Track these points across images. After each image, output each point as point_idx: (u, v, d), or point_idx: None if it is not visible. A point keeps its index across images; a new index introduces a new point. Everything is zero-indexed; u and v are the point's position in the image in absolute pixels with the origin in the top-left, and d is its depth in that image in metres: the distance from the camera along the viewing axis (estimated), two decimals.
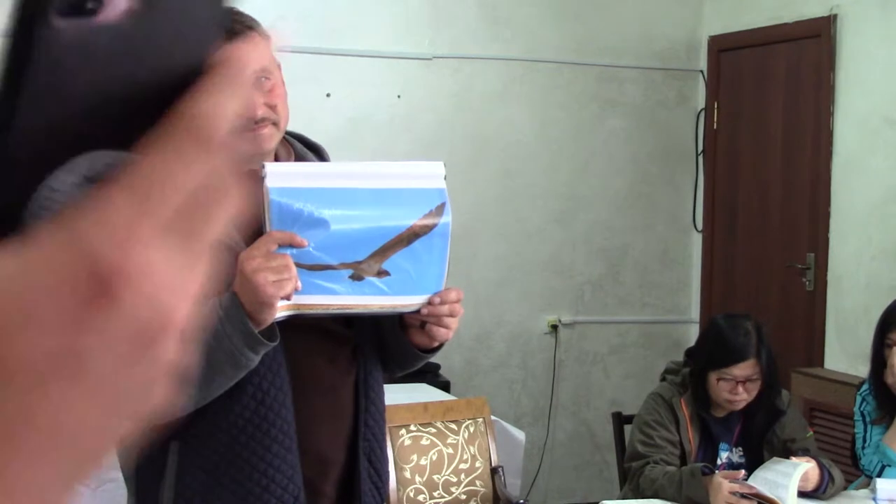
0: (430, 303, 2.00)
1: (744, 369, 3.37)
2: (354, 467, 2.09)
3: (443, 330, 2.03)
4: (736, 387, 3.37)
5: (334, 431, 2.06)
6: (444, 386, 5.48)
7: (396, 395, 4.29)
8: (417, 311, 2.01)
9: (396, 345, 2.11)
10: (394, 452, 3.48)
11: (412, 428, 3.53)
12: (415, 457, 3.52)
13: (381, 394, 2.17)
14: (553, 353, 6.20)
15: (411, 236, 1.96)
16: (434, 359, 5.66)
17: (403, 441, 3.51)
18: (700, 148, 6.34)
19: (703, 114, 6.32)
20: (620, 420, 3.86)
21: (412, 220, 1.96)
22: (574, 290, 6.23)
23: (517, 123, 6.03)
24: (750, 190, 6.05)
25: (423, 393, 4.64)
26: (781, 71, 5.82)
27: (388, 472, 2.19)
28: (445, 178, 2.02)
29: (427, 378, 5.44)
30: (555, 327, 6.18)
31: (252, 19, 2.09)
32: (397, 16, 5.80)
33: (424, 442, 3.55)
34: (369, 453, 2.11)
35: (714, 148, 6.26)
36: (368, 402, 2.11)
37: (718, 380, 3.39)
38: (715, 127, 6.24)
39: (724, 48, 6.20)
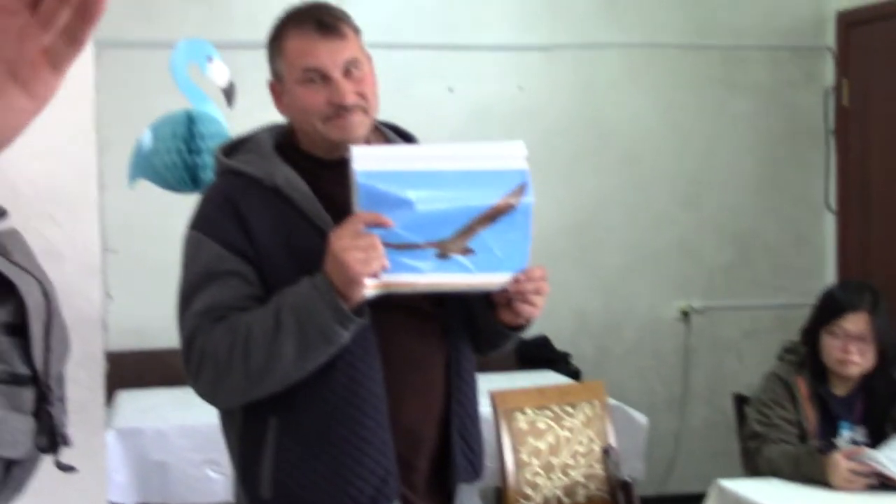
0: (515, 280, 2.04)
1: (855, 323, 3.32)
2: (447, 443, 2.15)
3: (529, 307, 2.07)
4: (847, 344, 3.33)
5: (425, 407, 2.13)
6: (575, 374, 5.50)
7: (523, 382, 4.35)
8: (504, 290, 2.06)
9: (485, 323, 2.16)
10: (510, 436, 3.53)
11: (528, 412, 3.57)
12: (531, 440, 3.56)
13: (472, 371, 2.22)
14: (685, 339, 6.15)
15: (495, 215, 2.01)
16: (563, 347, 5.72)
17: (520, 425, 3.55)
18: (830, 127, 6.21)
19: (832, 92, 6.19)
20: (741, 402, 3.83)
21: (495, 199, 2.01)
22: (704, 275, 6.17)
23: (640, 109, 6.00)
24: (884, 169, 5.89)
25: (551, 381, 4.67)
26: None
27: (482, 448, 2.24)
28: (527, 159, 2.06)
29: (558, 366, 5.47)
30: (686, 313, 6.13)
31: (342, 12, 2.18)
32: (516, 7, 5.84)
33: (541, 425, 3.58)
34: (462, 430, 2.16)
35: (845, 127, 6.12)
36: (460, 380, 2.17)
37: (829, 337, 3.35)
38: (845, 105, 6.10)
39: (854, 23, 6.05)
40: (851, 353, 3.34)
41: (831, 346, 3.36)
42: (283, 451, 2.05)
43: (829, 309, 3.40)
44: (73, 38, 0.71)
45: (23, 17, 0.66)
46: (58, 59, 0.71)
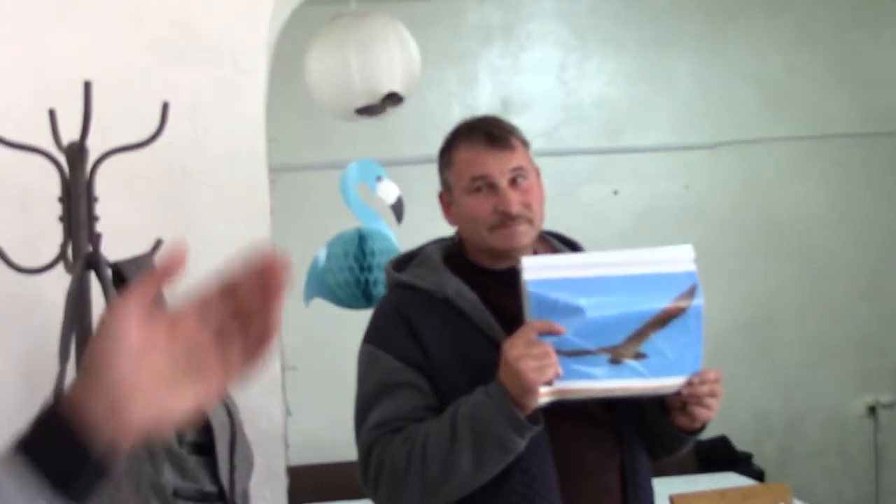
0: (689, 383, 2.02)
1: None
2: None
3: (704, 410, 2.04)
4: None
5: None
6: (758, 475, 5.35)
7: (704, 484, 4.24)
8: (677, 393, 2.03)
9: (660, 427, 2.13)
10: None
11: None
12: None
13: (648, 477, 2.19)
14: (874, 436, 5.92)
15: (666, 318, 2.00)
16: (744, 447, 5.57)
17: None
18: None
19: None
20: None
21: (665, 302, 2.00)
22: (891, 368, 5.95)
23: (811, 201, 5.90)
24: None
25: (733, 483, 4.55)
26: None
27: None
28: (696, 260, 2.05)
29: (739, 468, 5.33)
30: (873, 409, 5.91)
31: (511, 125, 2.24)
32: (678, 108, 5.85)
33: None
34: None
35: None
36: (636, 486, 2.14)
37: None
38: None
39: None
40: None
41: None
42: None
43: None
44: (247, 360, 0.94)
45: (196, 333, 0.93)
46: (228, 359, 0.94)
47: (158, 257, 0.85)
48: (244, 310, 0.93)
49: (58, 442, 0.88)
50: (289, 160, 4.98)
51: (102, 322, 0.91)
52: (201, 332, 0.92)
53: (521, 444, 1.96)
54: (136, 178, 2.54)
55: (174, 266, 0.93)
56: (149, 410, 0.89)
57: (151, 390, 0.89)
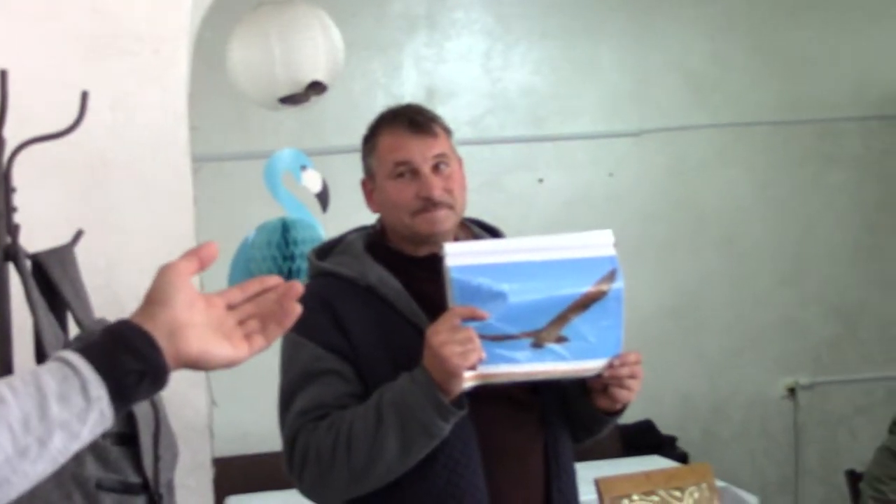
0: (610, 366, 2.05)
1: None
2: None
3: (625, 392, 2.08)
4: None
5: (526, 498, 2.13)
6: (682, 458, 5.42)
7: (629, 468, 4.29)
8: (599, 375, 2.07)
9: (581, 409, 2.16)
10: None
11: (634, 497, 3.52)
12: None
13: (571, 459, 2.22)
14: (793, 417, 6.03)
15: (587, 302, 2.03)
16: (669, 430, 5.63)
17: None
18: None
19: None
20: (854, 478, 3.74)
21: (586, 287, 2.03)
22: (810, 350, 6.06)
23: (735, 188, 5.97)
24: None
25: (657, 466, 4.61)
26: None
27: None
28: (615, 246, 2.08)
29: (664, 451, 5.40)
30: (792, 391, 6.02)
31: (434, 113, 2.26)
32: (603, 96, 5.89)
33: None
34: None
35: None
36: (559, 468, 2.17)
37: None
38: None
39: None
40: None
41: None
42: None
43: None
44: (265, 332, 1.25)
45: (224, 311, 1.21)
46: (251, 338, 1.23)
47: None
48: (263, 312, 1.25)
49: (124, 350, 1.10)
50: (212, 149, 4.94)
51: (160, 274, 1.17)
52: (228, 315, 1.21)
53: (446, 428, 1.98)
54: (55, 168, 2.50)
55: (208, 255, 1.22)
56: (197, 345, 1.15)
57: (200, 331, 1.16)
